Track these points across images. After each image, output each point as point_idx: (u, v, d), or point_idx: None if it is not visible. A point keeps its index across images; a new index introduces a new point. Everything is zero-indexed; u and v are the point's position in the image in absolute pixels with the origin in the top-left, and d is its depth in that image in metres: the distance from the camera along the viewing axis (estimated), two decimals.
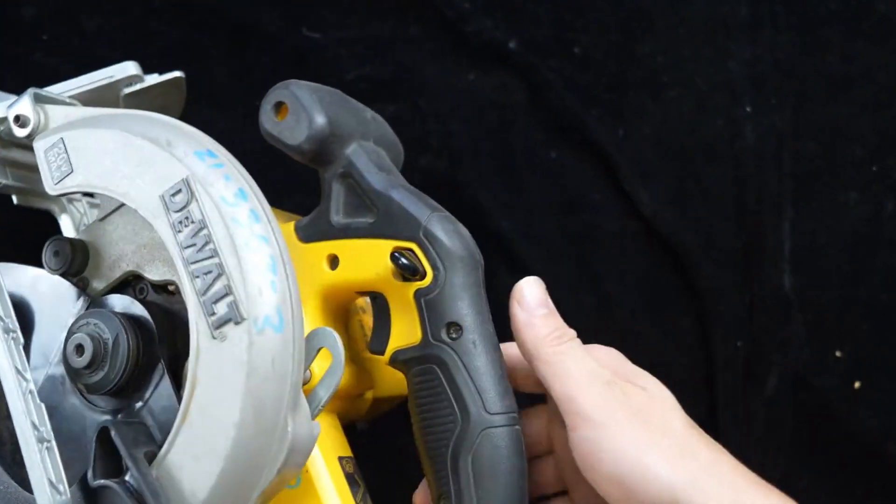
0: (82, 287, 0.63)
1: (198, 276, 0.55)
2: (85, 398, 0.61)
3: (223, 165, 0.57)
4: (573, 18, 0.88)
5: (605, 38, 0.88)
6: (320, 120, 0.63)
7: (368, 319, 0.71)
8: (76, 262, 0.63)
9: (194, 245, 0.55)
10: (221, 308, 0.54)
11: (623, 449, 0.59)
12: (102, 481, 0.55)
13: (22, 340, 0.58)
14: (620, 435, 0.59)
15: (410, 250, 0.62)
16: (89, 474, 0.55)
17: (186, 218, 0.56)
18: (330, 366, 0.59)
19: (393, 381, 0.70)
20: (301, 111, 0.63)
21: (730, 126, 0.87)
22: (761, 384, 0.85)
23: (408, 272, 0.62)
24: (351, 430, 0.70)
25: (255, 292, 0.54)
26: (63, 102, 0.64)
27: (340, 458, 0.65)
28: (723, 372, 0.85)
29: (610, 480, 0.59)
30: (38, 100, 0.63)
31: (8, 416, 0.59)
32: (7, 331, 0.58)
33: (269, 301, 0.55)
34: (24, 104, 0.62)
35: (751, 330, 0.85)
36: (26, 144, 0.66)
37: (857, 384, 0.86)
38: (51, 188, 0.60)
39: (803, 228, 0.86)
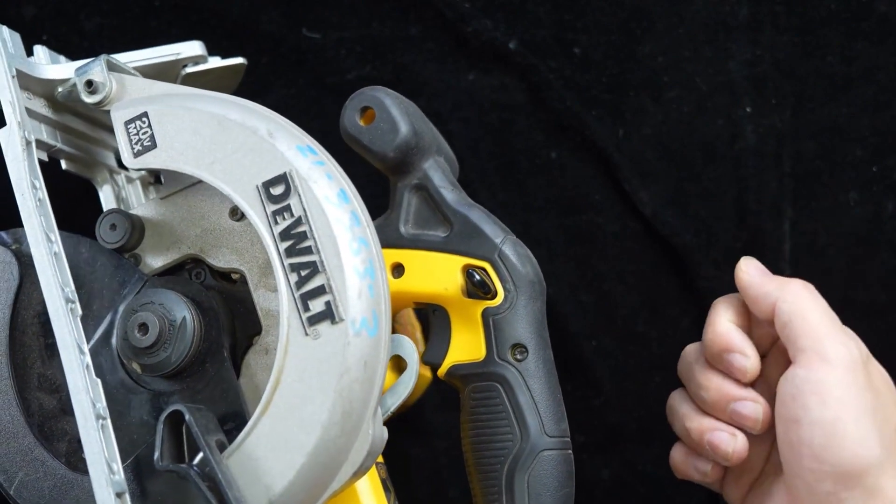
0: (135, 264, 0.62)
1: (294, 271, 0.55)
2: (131, 377, 0.60)
3: (324, 164, 0.58)
4: (573, 19, 0.88)
5: (606, 39, 0.88)
6: (408, 130, 0.64)
7: (397, 328, 0.72)
8: (133, 238, 0.62)
9: (292, 239, 0.56)
10: (318, 305, 0.55)
11: (845, 402, 0.58)
12: (172, 465, 0.55)
13: (80, 312, 0.57)
14: (847, 387, 0.59)
15: (483, 269, 0.64)
16: (156, 457, 0.54)
17: (286, 211, 0.56)
18: (404, 374, 0.61)
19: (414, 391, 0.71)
20: (389, 119, 0.64)
21: (730, 126, 0.87)
22: None
23: (480, 290, 0.63)
24: None
25: (355, 294, 0.55)
26: (132, 73, 0.63)
27: (376, 464, 0.65)
28: None
29: (815, 426, 0.58)
30: (110, 68, 0.61)
31: (38, 387, 0.59)
32: (67, 301, 0.56)
33: (366, 304, 0.55)
34: (97, 70, 0.61)
35: None
36: (77, 111, 0.66)
37: None
38: (129, 161, 0.59)
39: (803, 228, 0.86)
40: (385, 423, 0.58)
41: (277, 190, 0.56)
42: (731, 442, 0.64)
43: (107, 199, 0.72)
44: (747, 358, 0.63)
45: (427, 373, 0.70)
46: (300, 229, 0.56)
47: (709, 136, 0.87)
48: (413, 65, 0.87)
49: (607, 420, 0.86)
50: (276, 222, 0.56)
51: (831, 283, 0.86)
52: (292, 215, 0.56)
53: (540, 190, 0.87)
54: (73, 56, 0.82)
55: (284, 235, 0.56)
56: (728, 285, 0.85)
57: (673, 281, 0.87)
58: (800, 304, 0.62)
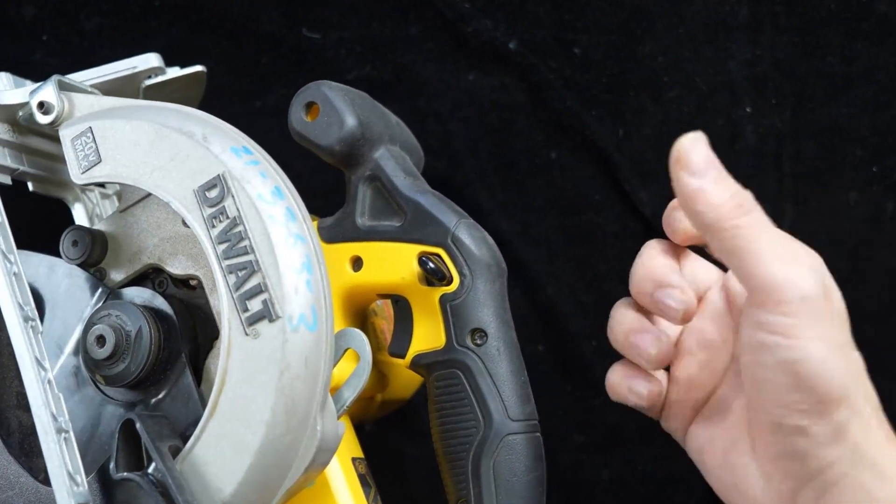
0: (99, 278, 0.63)
1: (232, 272, 0.55)
2: (100, 390, 0.60)
3: (259, 163, 0.57)
4: (573, 19, 0.88)
5: (606, 39, 0.88)
6: (352, 122, 0.63)
7: (380, 322, 0.72)
8: (95, 253, 0.62)
9: (228, 241, 0.56)
10: (255, 305, 0.55)
11: (812, 338, 0.54)
12: (126, 474, 0.55)
13: (41, 329, 0.58)
14: (812, 323, 0.55)
15: (438, 255, 0.63)
16: (111, 466, 0.55)
17: (221, 213, 0.56)
18: (357, 367, 0.60)
19: (401, 384, 0.70)
20: (333, 112, 0.63)
21: (730, 126, 0.87)
22: None
23: (435, 277, 0.63)
24: (359, 431, 0.70)
25: (291, 290, 0.55)
26: (85, 91, 0.64)
27: (353, 459, 0.65)
28: None
29: (782, 366, 0.55)
30: (62, 87, 0.62)
31: (17, 406, 0.60)
32: (26, 319, 0.57)
33: (304, 300, 0.55)
34: (48, 91, 0.62)
35: None
36: (43, 132, 0.66)
37: None
38: (77, 177, 0.60)
39: (803, 228, 0.86)
40: (372, 422, 0.57)
41: (213, 193, 0.56)
42: (656, 344, 0.61)
43: (79, 216, 0.73)
44: (684, 293, 0.60)
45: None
46: (236, 230, 0.56)
47: (709, 136, 0.87)
48: (413, 65, 0.87)
49: (607, 420, 0.86)
50: (213, 225, 0.56)
51: None
52: (227, 217, 0.56)
53: (540, 190, 0.87)
54: (72, 56, 0.82)
55: (221, 238, 0.56)
56: None
57: None
58: (746, 231, 0.56)
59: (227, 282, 0.55)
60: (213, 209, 0.56)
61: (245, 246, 0.55)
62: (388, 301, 0.69)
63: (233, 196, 0.56)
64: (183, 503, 0.53)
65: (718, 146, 0.87)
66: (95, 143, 0.59)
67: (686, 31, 0.87)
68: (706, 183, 0.57)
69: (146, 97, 0.71)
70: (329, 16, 0.87)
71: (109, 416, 0.60)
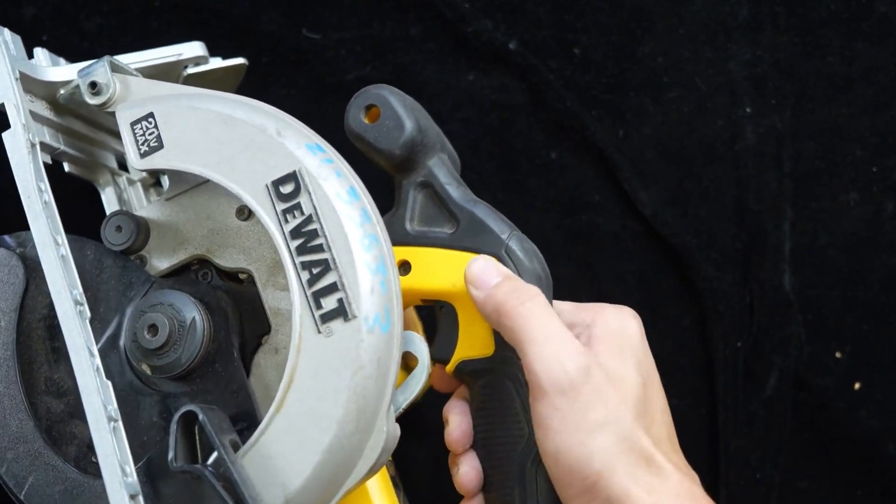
0: (141, 265, 0.62)
1: (305, 269, 0.55)
2: (140, 380, 0.59)
3: (333, 161, 0.58)
4: (573, 19, 0.88)
5: (606, 39, 0.88)
6: (412, 128, 0.64)
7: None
8: (138, 240, 0.61)
9: (302, 237, 0.56)
10: (330, 302, 0.55)
11: (560, 430, 0.58)
12: (187, 466, 0.54)
13: (88, 314, 0.57)
14: (562, 415, 0.58)
15: None
16: (170, 458, 0.54)
17: (296, 209, 0.56)
18: (415, 371, 0.61)
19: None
20: (394, 117, 0.64)
21: (730, 127, 0.87)
22: (761, 384, 0.85)
23: None
24: None
25: (367, 290, 0.55)
26: (132, 74, 0.63)
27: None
28: (723, 372, 0.85)
29: (546, 456, 0.59)
30: (113, 69, 0.61)
31: (45, 391, 0.59)
32: (76, 303, 0.56)
33: (379, 300, 0.55)
34: (101, 71, 0.60)
35: (751, 330, 0.85)
36: (79, 114, 0.65)
37: (857, 385, 0.86)
38: (136, 162, 0.59)
39: (803, 228, 0.86)
40: (397, 420, 0.58)
41: (287, 188, 0.56)
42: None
43: (109, 201, 0.72)
44: (450, 433, 0.64)
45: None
46: (311, 227, 0.56)
47: (709, 137, 0.87)
48: (413, 65, 0.87)
49: None
50: (286, 220, 0.56)
51: (831, 283, 0.86)
52: (302, 213, 0.56)
53: (540, 190, 0.87)
54: (73, 57, 0.82)
55: (295, 234, 0.56)
56: (728, 285, 0.86)
57: (673, 281, 0.87)
58: (516, 331, 0.60)
59: (301, 278, 0.55)
60: (287, 204, 0.56)
61: (321, 243, 0.55)
62: (411, 308, 0.69)
63: (309, 193, 0.56)
64: (248, 498, 0.53)
65: (718, 146, 0.87)
66: (157, 129, 0.59)
67: (686, 31, 0.87)
68: (490, 289, 0.62)
69: (186, 83, 0.70)
70: (329, 16, 0.87)
71: (148, 406, 0.59)
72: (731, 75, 0.87)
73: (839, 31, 0.87)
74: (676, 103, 0.87)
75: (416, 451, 0.69)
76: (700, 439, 0.86)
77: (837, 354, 0.86)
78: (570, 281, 0.86)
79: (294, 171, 0.56)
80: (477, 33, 0.87)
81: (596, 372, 0.59)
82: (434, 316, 0.66)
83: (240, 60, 0.74)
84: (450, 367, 0.65)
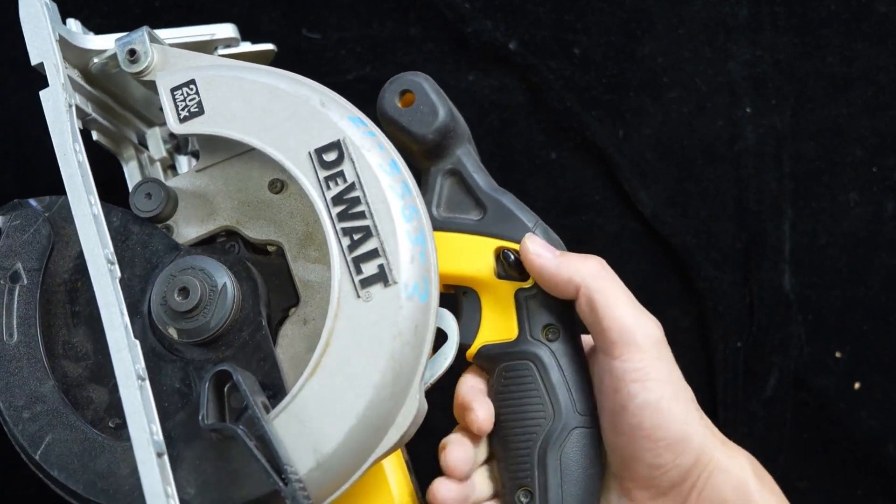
0: (168, 234, 0.62)
1: (346, 235, 0.56)
2: (163, 345, 0.59)
3: (375, 135, 0.59)
4: (573, 19, 0.88)
5: (606, 39, 0.88)
6: (446, 114, 0.65)
7: None
8: (167, 208, 0.61)
9: (344, 204, 0.56)
10: (370, 268, 0.55)
11: (663, 381, 0.61)
12: (218, 424, 0.54)
13: (119, 274, 0.57)
14: (660, 367, 0.61)
15: (517, 252, 0.65)
16: (200, 416, 0.54)
17: (338, 176, 0.57)
18: (444, 346, 0.61)
19: None
20: (428, 103, 0.65)
21: (730, 127, 0.87)
22: (761, 384, 0.85)
23: (514, 271, 0.64)
24: None
25: (407, 259, 0.56)
26: (168, 46, 0.64)
27: None
28: (723, 372, 0.85)
29: (643, 409, 0.61)
30: (151, 39, 0.62)
31: (63, 355, 0.59)
32: (108, 261, 0.56)
33: (418, 269, 0.56)
34: (140, 39, 0.62)
35: (751, 330, 0.85)
36: (108, 88, 0.66)
37: (857, 385, 0.86)
38: (175, 127, 0.60)
39: (803, 228, 0.86)
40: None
41: (330, 156, 0.57)
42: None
43: (132, 174, 0.73)
44: (478, 415, 0.64)
45: None
46: (353, 195, 0.56)
47: (709, 137, 0.87)
48: (413, 65, 0.87)
49: None
50: (329, 188, 0.57)
51: (831, 283, 0.86)
52: (345, 181, 0.56)
53: (540, 190, 0.87)
54: None
55: (337, 200, 0.56)
56: (728, 285, 0.86)
57: (673, 281, 0.87)
58: (604, 293, 0.62)
59: (342, 244, 0.56)
60: (330, 172, 0.57)
61: (363, 211, 0.56)
62: None
63: (352, 161, 0.57)
64: (282, 456, 0.52)
65: (718, 146, 0.87)
66: (199, 96, 0.59)
67: (686, 31, 0.87)
68: (556, 257, 0.65)
69: None
70: (329, 16, 0.87)
71: (170, 373, 0.58)
72: (731, 75, 0.87)
73: (839, 31, 0.87)
74: (676, 103, 0.87)
75: (417, 450, 0.69)
76: None
77: (837, 354, 0.86)
78: None
79: (338, 140, 0.57)
80: (477, 33, 0.87)
81: (665, 342, 0.63)
82: (456, 302, 0.67)
83: (269, 46, 0.75)
84: (471, 351, 0.65)
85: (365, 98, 0.70)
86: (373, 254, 0.55)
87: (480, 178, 0.66)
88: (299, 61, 0.87)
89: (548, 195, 0.87)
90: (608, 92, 0.88)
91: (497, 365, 0.65)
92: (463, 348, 0.65)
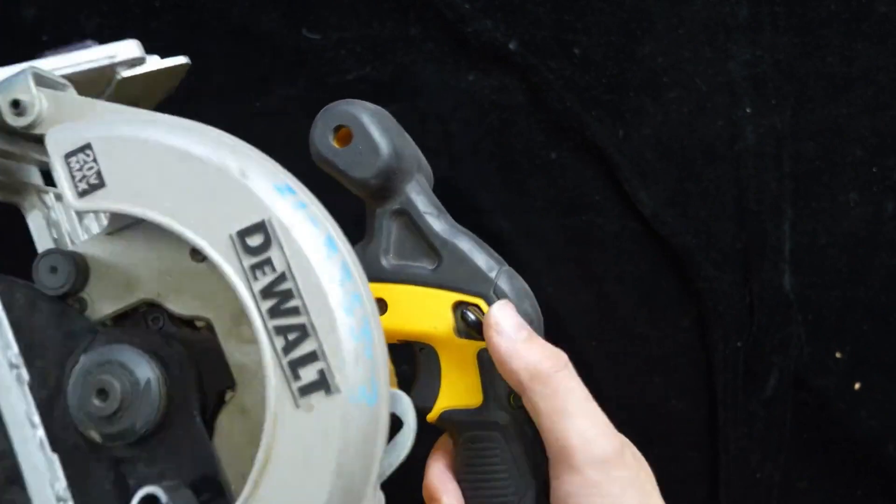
0: (80, 310, 0.54)
1: (280, 334, 0.48)
2: (87, 442, 0.52)
3: (306, 206, 0.50)
4: (573, 19, 0.88)
5: (606, 39, 0.88)
6: (388, 153, 0.57)
7: None
8: (77, 282, 0.53)
9: (275, 297, 0.49)
10: (309, 374, 0.48)
11: (623, 499, 0.55)
12: None
13: (27, 378, 0.49)
14: (621, 483, 0.56)
15: (478, 307, 0.58)
16: None
17: (266, 264, 0.49)
18: (400, 435, 0.54)
19: None
20: (367, 140, 0.57)
21: (730, 127, 0.87)
22: (761, 384, 0.85)
23: (475, 330, 0.58)
24: None
25: (352, 360, 0.49)
26: (59, 86, 0.54)
27: None
28: (723, 372, 0.85)
29: None
30: (39, 82, 0.52)
31: None
32: (12, 365, 0.49)
33: (364, 370, 0.49)
34: (24, 86, 0.50)
35: (751, 330, 0.85)
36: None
37: (857, 385, 0.86)
38: (75, 204, 0.50)
39: (803, 228, 0.86)
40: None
41: (255, 241, 0.49)
42: None
43: (37, 226, 0.62)
44: None
45: None
46: (284, 286, 0.49)
47: (709, 137, 0.87)
48: (413, 65, 0.87)
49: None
50: (256, 278, 0.49)
51: (831, 283, 0.86)
52: (274, 270, 0.49)
53: (540, 190, 0.87)
54: None
55: (266, 293, 0.49)
56: (728, 285, 0.86)
57: (673, 281, 0.87)
58: (550, 401, 0.56)
59: (275, 345, 0.48)
60: (256, 259, 0.49)
61: (296, 306, 0.48)
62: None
63: (280, 247, 0.49)
64: None
65: (718, 146, 0.87)
66: (97, 164, 0.50)
67: (686, 31, 0.87)
68: (517, 344, 0.57)
69: (120, 87, 0.63)
70: (329, 16, 0.87)
71: (99, 472, 0.52)
72: (731, 75, 0.87)
73: (839, 31, 0.87)
74: (676, 103, 0.87)
75: (416, 452, 0.69)
76: (700, 439, 0.86)
77: (837, 354, 0.86)
78: (570, 281, 0.86)
79: (262, 221, 0.49)
80: (477, 33, 0.87)
81: (628, 453, 0.57)
82: (412, 356, 0.62)
83: (181, 60, 0.65)
84: (432, 415, 0.60)
85: (365, 98, 0.70)
86: (311, 357, 0.48)
87: (433, 219, 0.59)
88: (299, 61, 0.87)
89: (548, 195, 0.87)
90: (608, 92, 0.88)
91: (461, 433, 0.60)
92: (422, 411, 0.59)
